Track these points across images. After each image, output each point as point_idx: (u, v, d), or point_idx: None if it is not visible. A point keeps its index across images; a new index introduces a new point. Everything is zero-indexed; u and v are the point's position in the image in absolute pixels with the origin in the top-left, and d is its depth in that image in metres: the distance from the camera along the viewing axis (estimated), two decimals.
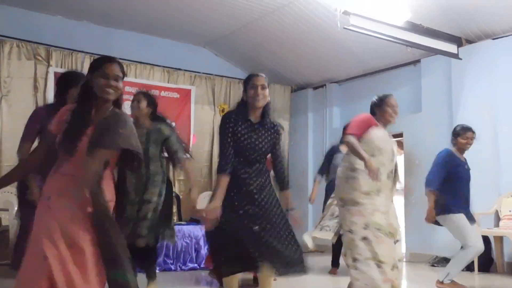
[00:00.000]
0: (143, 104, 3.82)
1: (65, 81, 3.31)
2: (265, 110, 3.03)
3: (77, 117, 2.26)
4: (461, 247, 4.31)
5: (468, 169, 4.49)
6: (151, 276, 3.86)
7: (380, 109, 3.45)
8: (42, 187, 2.36)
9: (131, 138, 2.32)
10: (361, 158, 3.08)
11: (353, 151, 3.19)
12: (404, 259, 6.49)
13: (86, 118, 2.27)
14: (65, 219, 2.15)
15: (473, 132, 4.46)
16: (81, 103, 2.30)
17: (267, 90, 3.02)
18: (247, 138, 2.97)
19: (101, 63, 2.29)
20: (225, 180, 2.88)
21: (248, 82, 3.01)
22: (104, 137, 2.24)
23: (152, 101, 3.89)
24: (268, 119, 3.06)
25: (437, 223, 4.45)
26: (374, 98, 3.52)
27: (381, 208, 3.24)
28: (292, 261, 2.88)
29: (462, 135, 4.44)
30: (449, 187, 4.33)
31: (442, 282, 4.30)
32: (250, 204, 2.91)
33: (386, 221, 3.25)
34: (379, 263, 3.17)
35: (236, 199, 2.90)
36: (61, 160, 2.26)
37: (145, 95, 3.89)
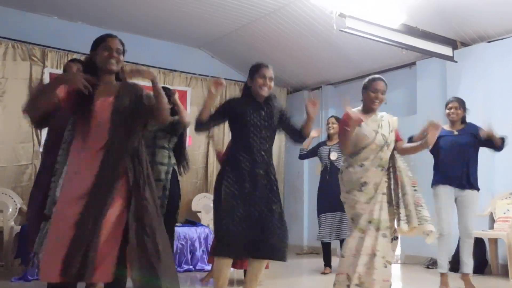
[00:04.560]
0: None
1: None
2: (269, 95, 3.16)
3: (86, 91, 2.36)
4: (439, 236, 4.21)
5: (459, 136, 4.54)
6: None
7: (364, 94, 3.42)
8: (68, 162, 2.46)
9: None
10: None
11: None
12: (399, 261, 6.50)
13: (94, 89, 2.40)
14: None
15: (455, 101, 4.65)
16: (88, 76, 2.41)
17: (272, 82, 3.14)
18: (256, 116, 3.05)
19: (104, 38, 2.50)
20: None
21: (258, 71, 3.09)
22: (135, 100, 2.45)
23: None
24: (272, 99, 3.17)
25: None
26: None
27: (362, 199, 3.20)
28: (275, 248, 2.92)
29: (447, 106, 4.68)
30: (434, 159, 4.49)
31: (467, 274, 4.27)
32: (254, 187, 2.97)
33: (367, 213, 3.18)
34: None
35: (245, 179, 2.97)
36: (82, 135, 2.38)
37: None
